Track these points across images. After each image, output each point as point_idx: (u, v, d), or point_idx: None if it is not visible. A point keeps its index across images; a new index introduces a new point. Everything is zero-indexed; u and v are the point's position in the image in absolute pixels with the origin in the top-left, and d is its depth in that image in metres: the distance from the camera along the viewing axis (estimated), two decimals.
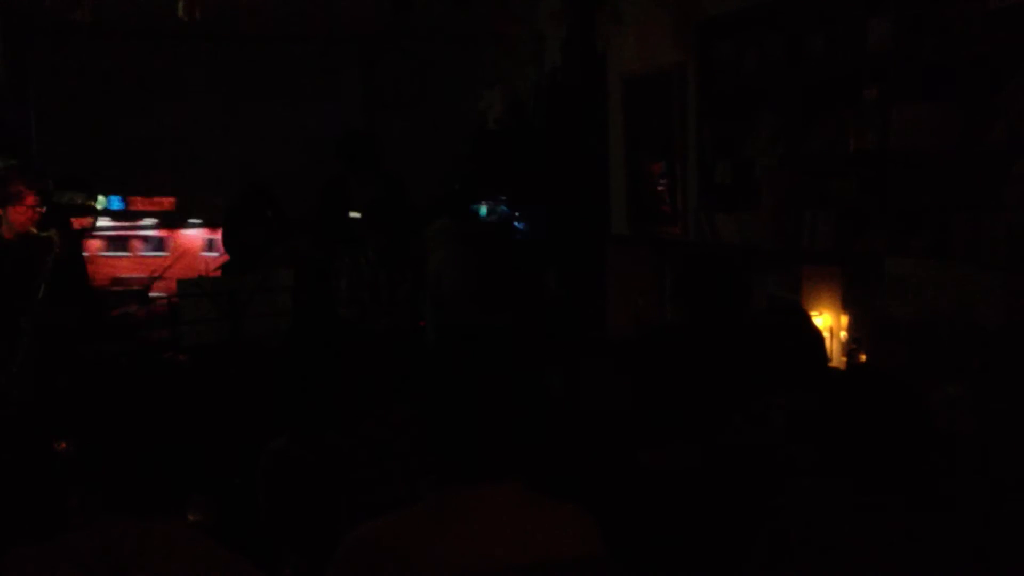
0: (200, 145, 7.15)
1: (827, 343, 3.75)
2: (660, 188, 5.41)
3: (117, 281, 6.18)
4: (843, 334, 4.05)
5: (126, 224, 6.65)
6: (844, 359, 3.96)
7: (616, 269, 5.95)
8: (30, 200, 4.27)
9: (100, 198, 4.30)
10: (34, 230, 4.24)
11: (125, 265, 6.45)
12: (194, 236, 6.77)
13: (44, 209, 4.33)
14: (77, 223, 5.07)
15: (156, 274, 5.78)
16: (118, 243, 6.55)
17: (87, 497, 2.75)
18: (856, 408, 2.06)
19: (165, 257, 6.49)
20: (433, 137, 7.39)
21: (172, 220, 6.81)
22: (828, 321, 4.08)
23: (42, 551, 1.70)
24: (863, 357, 3.87)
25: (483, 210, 6.04)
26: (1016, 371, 3.23)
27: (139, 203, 6.70)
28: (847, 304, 4.09)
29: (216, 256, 5.62)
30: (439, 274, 5.22)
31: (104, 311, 5.04)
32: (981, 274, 3.36)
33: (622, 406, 3.28)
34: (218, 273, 5.29)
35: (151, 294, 5.71)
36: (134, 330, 4.86)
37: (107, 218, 6.38)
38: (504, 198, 6.09)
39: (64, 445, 3.18)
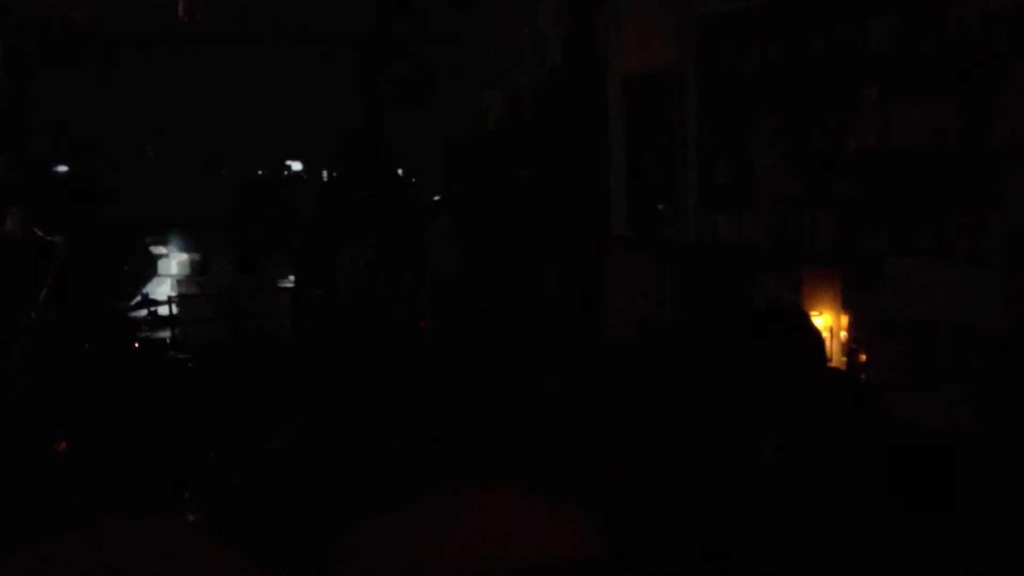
0: (199, 145, 7.15)
1: (827, 343, 3.76)
2: (660, 188, 5.42)
3: None
4: (843, 334, 4.05)
5: None
6: (844, 359, 3.96)
7: (616, 269, 5.95)
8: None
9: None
10: (39, 232, 4.19)
11: None
12: None
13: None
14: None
15: None
16: None
17: (87, 497, 2.75)
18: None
19: None
20: (433, 137, 7.40)
21: None
22: (828, 321, 4.08)
23: (41, 552, 1.69)
24: (863, 357, 3.87)
25: None
26: (1016, 371, 3.23)
27: None
28: (847, 304, 4.09)
29: None
30: (438, 274, 5.22)
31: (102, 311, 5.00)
32: (981, 274, 3.36)
33: (621, 406, 3.28)
34: None
35: None
36: (132, 330, 4.83)
37: None
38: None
39: (64, 445, 3.17)
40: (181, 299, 4.28)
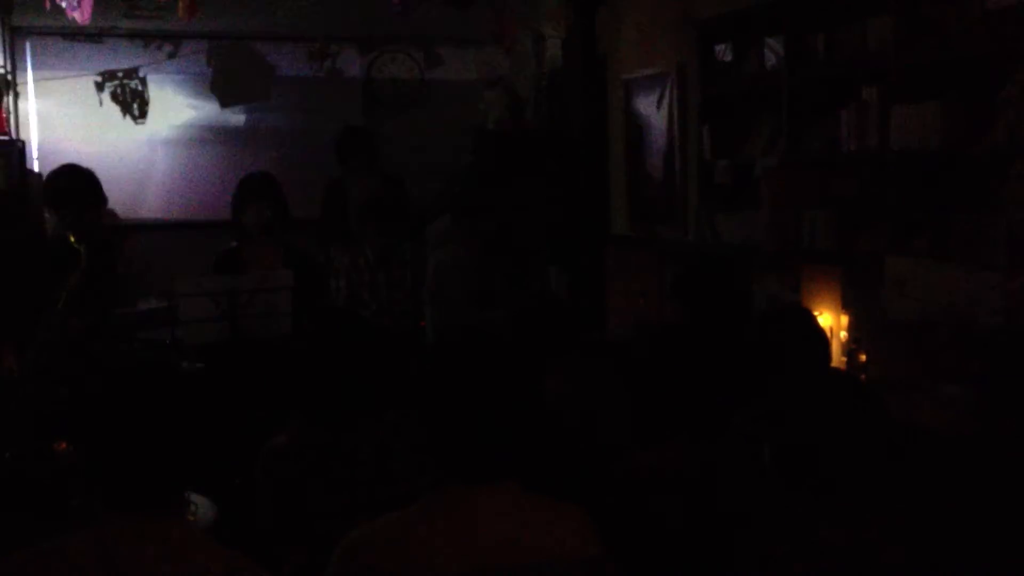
0: (200, 146, 7.14)
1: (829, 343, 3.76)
2: (660, 188, 5.42)
3: None
4: (843, 334, 4.05)
5: None
6: (844, 359, 3.97)
7: (616, 269, 5.95)
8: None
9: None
10: (72, 239, 4.21)
11: None
12: None
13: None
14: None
15: None
16: None
17: (87, 497, 2.75)
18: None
19: None
20: (433, 137, 7.39)
21: None
22: (828, 321, 4.08)
23: (39, 553, 1.69)
24: (863, 357, 3.87)
25: None
26: (1016, 371, 3.23)
27: None
28: (847, 304, 4.09)
29: None
30: (439, 274, 5.22)
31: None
32: (981, 274, 3.36)
33: (621, 406, 3.28)
34: None
35: None
36: (134, 330, 4.82)
37: None
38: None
39: (64, 445, 3.17)
40: (181, 299, 4.27)
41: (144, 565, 1.68)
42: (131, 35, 6.78)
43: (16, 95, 6.42)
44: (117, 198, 6.66)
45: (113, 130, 6.89)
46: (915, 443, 2.99)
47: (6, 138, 5.94)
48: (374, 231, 4.97)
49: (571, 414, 3.16)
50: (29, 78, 6.65)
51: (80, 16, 4.24)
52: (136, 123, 6.96)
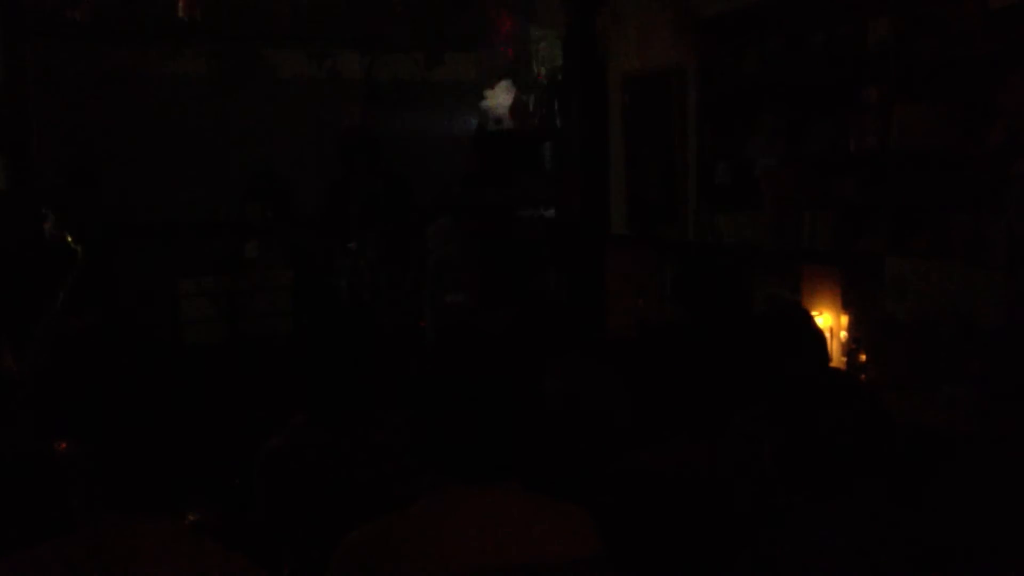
0: (200, 146, 7.13)
1: (827, 343, 3.76)
2: (660, 188, 5.42)
3: None
4: (843, 334, 4.05)
5: None
6: (844, 359, 3.97)
7: (616, 269, 5.95)
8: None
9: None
10: (70, 239, 4.22)
11: None
12: None
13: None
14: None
15: None
16: None
17: (87, 497, 2.75)
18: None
19: None
20: (433, 137, 7.40)
21: None
22: (828, 321, 4.08)
23: (34, 554, 1.69)
24: (863, 357, 3.87)
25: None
26: (1016, 371, 3.23)
27: None
28: (847, 304, 4.09)
29: None
30: (439, 273, 5.22)
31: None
32: (981, 274, 3.36)
33: (621, 406, 3.28)
34: None
35: None
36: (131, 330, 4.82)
37: None
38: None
39: (64, 445, 3.17)
40: (181, 299, 4.28)
41: (143, 566, 1.68)
42: (131, 35, 6.78)
43: (16, 95, 6.42)
44: (118, 198, 6.69)
45: (113, 130, 6.89)
46: (915, 443, 2.99)
47: (6, 138, 5.94)
48: (375, 231, 4.98)
49: (571, 414, 3.16)
50: (29, 78, 6.65)
51: (80, 16, 4.24)
52: (136, 123, 6.95)
